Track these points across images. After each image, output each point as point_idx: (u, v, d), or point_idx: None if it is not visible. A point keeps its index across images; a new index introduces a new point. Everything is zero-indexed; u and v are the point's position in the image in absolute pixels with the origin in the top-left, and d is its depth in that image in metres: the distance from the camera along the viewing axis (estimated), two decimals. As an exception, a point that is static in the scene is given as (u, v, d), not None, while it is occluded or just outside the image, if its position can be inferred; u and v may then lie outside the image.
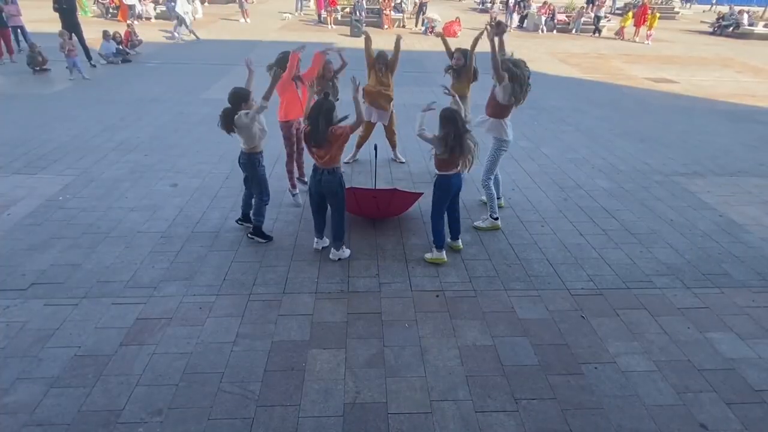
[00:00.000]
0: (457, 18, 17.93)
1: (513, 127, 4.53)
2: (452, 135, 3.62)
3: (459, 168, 3.80)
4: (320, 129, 3.59)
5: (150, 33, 15.25)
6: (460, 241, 4.24)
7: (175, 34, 14.82)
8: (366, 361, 3.00)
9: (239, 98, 3.88)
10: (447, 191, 3.91)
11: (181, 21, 14.70)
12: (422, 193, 4.61)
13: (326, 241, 4.18)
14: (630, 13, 19.02)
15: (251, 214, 4.26)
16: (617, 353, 3.13)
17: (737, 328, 3.39)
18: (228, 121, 3.86)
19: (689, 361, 3.08)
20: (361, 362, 2.99)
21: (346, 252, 4.06)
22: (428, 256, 4.09)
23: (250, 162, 4.02)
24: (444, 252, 4.05)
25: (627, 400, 2.78)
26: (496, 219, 4.57)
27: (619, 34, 18.80)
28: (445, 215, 4.04)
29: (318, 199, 3.94)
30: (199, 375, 2.85)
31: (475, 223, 4.63)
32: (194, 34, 15.07)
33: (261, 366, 2.93)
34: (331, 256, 4.03)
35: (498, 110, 4.39)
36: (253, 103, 3.92)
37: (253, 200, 4.26)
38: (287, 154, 4.95)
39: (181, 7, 14.66)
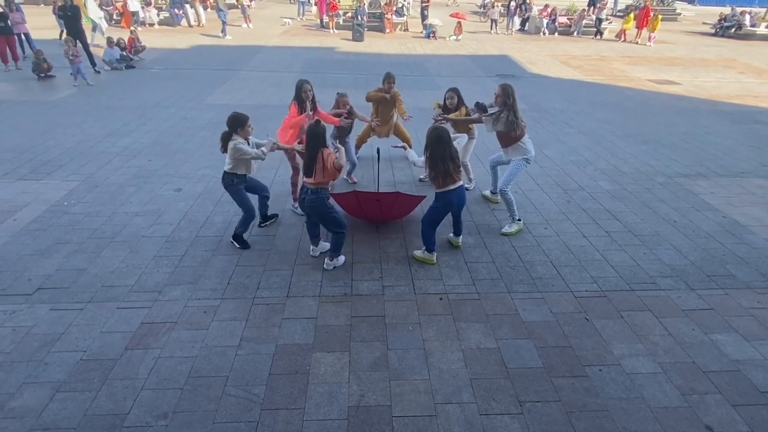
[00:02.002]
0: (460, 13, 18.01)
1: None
2: (436, 154, 3.71)
3: (456, 184, 3.82)
4: (313, 157, 3.66)
5: (153, 39, 15.37)
6: (460, 239, 4.30)
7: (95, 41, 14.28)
8: (370, 364, 3.01)
9: (236, 123, 3.93)
10: (445, 206, 3.94)
11: (95, 27, 14.30)
12: (425, 197, 4.62)
13: (324, 246, 4.18)
14: (631, 15, 18.99)
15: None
16: (622, 355, 3.12)
17: (742, 330, 3.38)
18: (223, 143, 3.98)
19: (694, 363, 3.07)
20: (365, 365, 3.00)
21: (340, 260, 4.04)
22: (417, 253, 4.14)
23: (224, 180, 4.07)
24: (435, 255, 4.08)
25: (632, 403, 2.77)
26: (519, 220, 4.65)
27: (620, 36, 18.80)
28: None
29: (308, 215, 4.02)
30: (204, 379, 2.87)
31: (502, 230, 4.60)
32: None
33: (265, 369, 2.94)
34: (324, 266, 3.99)
35: (509, 138, 4.47)
36: (249, 129, 3.99)
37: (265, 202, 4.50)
38: (292, 167, 4.94)
39: (94, 13, 14.40)
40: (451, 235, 4.33)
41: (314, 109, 4.82)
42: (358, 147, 6.01)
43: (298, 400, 2.74)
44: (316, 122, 3.83)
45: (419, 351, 3.13)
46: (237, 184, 4.08)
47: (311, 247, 4.17)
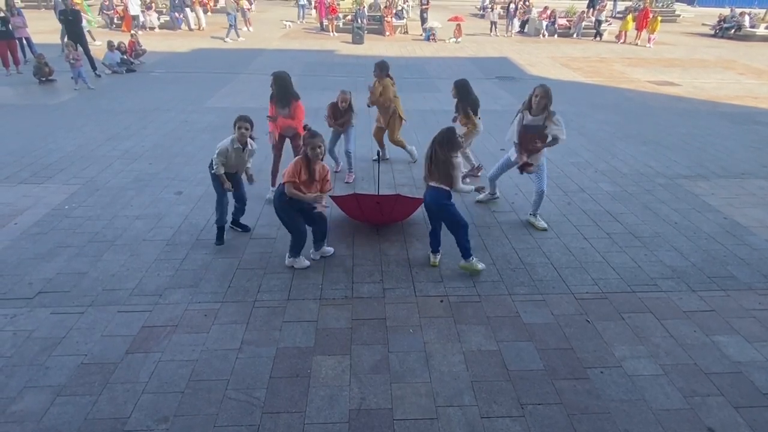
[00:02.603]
0: (459, 17, 18.12)
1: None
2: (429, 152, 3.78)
3: (432, 183, 3.80)
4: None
5: (154, 43, 15.42)
6: (468, 261, 3.90)
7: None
8: (371, 367, 3.00)
9: (235, 121, 4.12)
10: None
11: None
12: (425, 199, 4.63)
13: (327, 251, 4.18)
14: (630, 17, 19.05)
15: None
16: (623, 357, 3.12)
17: (744, 331, 3.37)
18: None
19: (696, 365, 3.07)
20: (366, 368, 3.00)
21: (298, 261, 4.00)
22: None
23: (210, 165, 4.24)
24: (437, 258, 4.10)
25: (634, 405, 2.77)
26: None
27: (620, 37, 18.82)
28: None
29: None
30: (205, 382, 2.86)
31: (541, 225, 4.71)
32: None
33: (266, 373, 2.94)
34: (286, 262, 4.04)
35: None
36: (239, 130, 4.04)
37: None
38: (274, 156, 5.19)
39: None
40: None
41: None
42: (381, 143, 6.20)
43: (299, 403, 2.74)
44: (311, 132, 3.78)
45: (420, 353, 3.12)
46: (210, 167, 4.22)
47: (310, 249, 4.17)
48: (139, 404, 2.70)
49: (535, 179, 4.70)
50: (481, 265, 3.94)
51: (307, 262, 4.02)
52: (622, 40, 18.66)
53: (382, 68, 5.77)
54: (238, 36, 16.92)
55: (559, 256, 4.27)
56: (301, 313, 3.47)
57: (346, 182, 5.69)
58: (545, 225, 4.72)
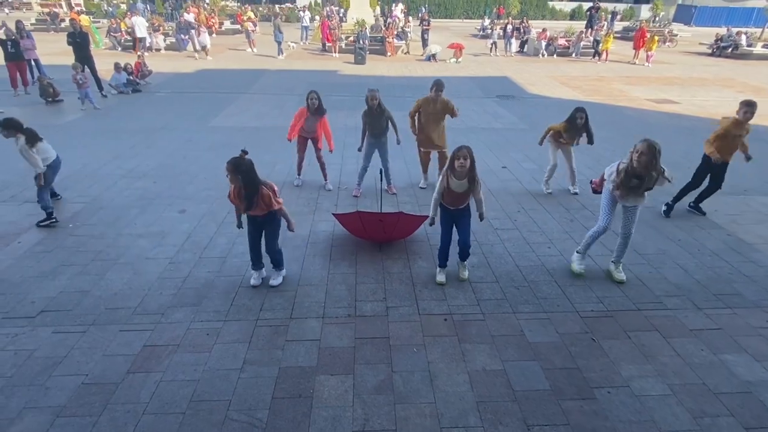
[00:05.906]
0: (458, 44, 18.38)
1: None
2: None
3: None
4: (248, 193, 3.54)
5: (160, 64, 15.68)
6: (463, 268, 4.15)
7: None
8: (374, 387, 2.96)
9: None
10: None
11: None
12: (427, 216, 4.63)
13: (273, 281, 4.02)
14: (610, 36, 19.32)
15: None
16: (630, 377, 3.07)
17: (752, 350, 3.32)
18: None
19: (704, 385, 3.02)
20: (369, 388, 2.96)
21: (251, 279, 4.02)
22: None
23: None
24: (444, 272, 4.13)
25: (642, 426, 2.71)
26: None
27: (602, 56, 18.92)
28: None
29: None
30: (206, 403, 2.83)
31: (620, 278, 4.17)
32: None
33: (268, 393, 2.90)
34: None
35: None
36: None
37: None
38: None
39: None
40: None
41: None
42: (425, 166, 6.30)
43: (301, 424, 2.69)
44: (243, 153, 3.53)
45: (424, 373, 3.08)
46: None
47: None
48: (139, 425, 2.66)
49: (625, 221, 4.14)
50: (467, 274, 4.17)
51: (252, 281, 3.99)
52: (603, 58, 18.75)
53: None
54: (281, 53, 18.29)
55: (563, 273, 4.24)
56: (303, 332, 3.45)
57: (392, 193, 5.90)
58: (624, 277, 4.15)
